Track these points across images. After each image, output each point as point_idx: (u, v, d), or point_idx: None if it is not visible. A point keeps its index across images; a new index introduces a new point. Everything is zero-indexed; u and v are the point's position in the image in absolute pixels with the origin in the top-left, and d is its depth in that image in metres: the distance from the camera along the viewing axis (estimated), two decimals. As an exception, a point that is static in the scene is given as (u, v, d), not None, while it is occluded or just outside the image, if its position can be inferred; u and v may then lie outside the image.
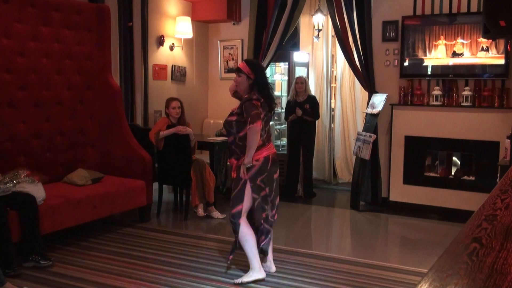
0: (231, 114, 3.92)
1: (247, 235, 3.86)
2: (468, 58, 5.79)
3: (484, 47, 5.70)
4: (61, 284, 3.81)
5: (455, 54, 5.86)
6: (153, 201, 5.71)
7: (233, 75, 7.33)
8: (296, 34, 7.69)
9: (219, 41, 7.70)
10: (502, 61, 5.61)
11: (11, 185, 4.07)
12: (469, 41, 5.78)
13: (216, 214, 5.77)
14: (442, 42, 5.92)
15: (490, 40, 5.49)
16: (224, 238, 4.93)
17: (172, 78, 7.12)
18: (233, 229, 3.90)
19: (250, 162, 3.74)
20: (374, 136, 6.08)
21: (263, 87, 3.91)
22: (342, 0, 6.26)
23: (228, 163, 4.11)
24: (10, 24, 4.77)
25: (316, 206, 6.64)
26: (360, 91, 7.50)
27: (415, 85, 6.17)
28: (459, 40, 5.83)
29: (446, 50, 5.91)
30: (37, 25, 5.00)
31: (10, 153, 4.79)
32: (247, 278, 3.86)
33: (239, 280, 3.85)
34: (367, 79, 6.32)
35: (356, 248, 5.08)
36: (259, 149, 3.81)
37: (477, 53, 5.73)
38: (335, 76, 8.06)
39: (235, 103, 4.06)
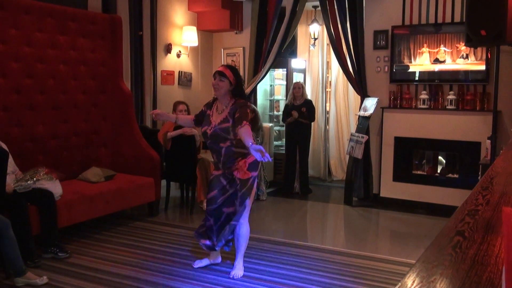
0: (223, 121, 3.66)
1: (247, 232, 3.85)
2: (452, 64, 5.80)
3: (464, 54, 5.71)
4: (77, 273, 3.82)
5: (437, 61, 5.87)
6: (161, 197, 5.71)
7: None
8: (293, 42, 7.68)
9: (222, 49, 7.69)
10: (483, 67, 5.62)
11: (31, 182, 4.07)
12: (451, 49, 5.79)
13: (220, 209, 5.77)
14: (426, 49, 5.93)
15: (470, 48, 5.50)
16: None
17: (179, 83, 7.12)
18: (237, 216, 3.73)
19: (253, 142, 3.41)
20: (366, 137, 6.08)
21: (242, 93, 3.81)
22: (336, 11, 6.26)
23: (231, 171, 3.74)
24: (31, 33, 4.78)
25: (312, 202, 6.64)
26: (353, 95, 7.50)
27: (404, 90, 6.18)
28: (442, 48, 5.84)
29: (430, 57, 5.92)
30: (55, 34, 5.01)
31: (31, 153, 4.81)
32: (241, 270, 3.86)
33: (237, 275, 3.81)
34: (360, 84, 6.32)
35: (349, 241, 5.09)
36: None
37: (457, 59, 5.74)
38: (330, 81, 8.05)
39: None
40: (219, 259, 4.07)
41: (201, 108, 4.00)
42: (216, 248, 3.94)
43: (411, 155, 6.16)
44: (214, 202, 3.82)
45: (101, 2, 5.78)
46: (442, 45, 5.83)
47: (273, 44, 6.66)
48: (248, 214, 3.82)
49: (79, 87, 5.31)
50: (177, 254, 4.31)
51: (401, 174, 6.14)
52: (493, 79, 5.07)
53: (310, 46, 7.83)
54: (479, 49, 5.56)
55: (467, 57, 5.71)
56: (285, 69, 7.62)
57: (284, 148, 7.35)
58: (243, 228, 3.80)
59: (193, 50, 7.33)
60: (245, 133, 3.47)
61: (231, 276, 3.79)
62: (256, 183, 3.82)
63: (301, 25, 7.50)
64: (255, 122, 6.59)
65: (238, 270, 3.84)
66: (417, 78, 6.06)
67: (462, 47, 5.66)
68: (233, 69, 3.81)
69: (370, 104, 6.13)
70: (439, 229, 1.25)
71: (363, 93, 6.33)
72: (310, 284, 3.67)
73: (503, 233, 0.89)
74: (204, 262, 4.01)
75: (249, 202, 3.75)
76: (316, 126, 7.71)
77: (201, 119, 3.93)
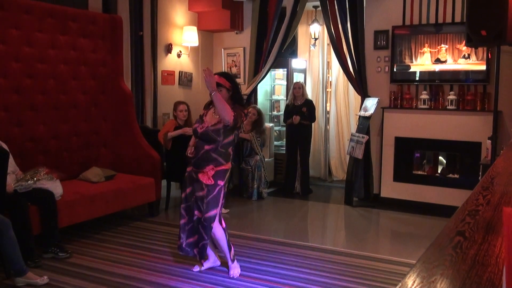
0: (217, 123, 3.68)
1: (222, 234, 3.82)
2: (452, 64, 5.80)
3: (466, 54, 5.71)
4: (78, 273, 3.82)
5: (438, 61, 5.87)
6: (162, 197, 5.72)
7: (236, 80, 7.35)
8: (294, 42, 7.68)
9: (223, 49, 7.70)
10: (483, 67, 5.62)
11: (32, 182, 4.08)
12: (452, 49, 5.79)
13: (220, 209, 5.77)
14: (427, 49, 5.93)
15: (471, 48, 5.50)
16: (228, 231, 4.92)
17: (179, 83, 7.12)
18: (205, 232, 3.69)
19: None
20: (366, 137, 6.08)
21: (240, 97, 3.86)
22: (337, 11, 6.27)
23: (195, 173, 3.76)
24: (31, 33, 4.78)
25: (312, 202, 6.64)
26: (354, 95, 7.50)
27: (404, 90, 6.18)
28: (443, 48, 5.84)
29: (430, 57, 5.92)
30: (56, 34, 5.01)
31: (31, 153, 4.81)
32: (238, 269, 3.86)
33: (236, 274, 3.82)
34: (360, 84, 6.32)
35: (349, 241, 5.09)
36: (229, 160, 3.75)
37: (458, 59, 5.74)
38: (330, 82, 8.05)
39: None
40: (218, 263, 4.03)
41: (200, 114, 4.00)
42: (181, 252, 3.88)
43: (412, 155, 6.15)
44: (190, 198, 3.80)
45: (102, 2, 5.78)
46: (443, 45, 5.83)
47: (274, 44, 6.66)
48: (218, 218, 3.78)
49: (79, 87, 5.31)
50: (177, 254, 4.28)
51: (402, 174, 6.14)
52: (494, 79, 5.08)
53: (311, 46, 7.83)
54: (479, 49, 5.56)
55: (467, 57, 5.70)
56: (286, 69, 7.63)
57: (284, 148, 7.35)
58: (217, 233, 3.79)
59: (194, 50, 7.34)
60: (225, 107, 3.55)
61: (231, 276, 3.80)
62: (223, 192, 3.76)
63: (301, 25, 7.50)
64: (259, 125, 6.60)
65: (235, 269, 3.85)
66: (417, 78, 6.05)
67: (463, 47, 5.66)
68: (226, 75, 3.85)
69: (371, 104, 6.13)
70: (440, 229, 1.25)
71: (364, 93, 6.33)
72: (310, 284, 3.67)
73: (504, 234, 0.89)
74: (197, 267, 3.96)
75: (214, 216, 3.70)
76: (317, 126, 7.71)
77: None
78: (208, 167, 3.68)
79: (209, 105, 3.89)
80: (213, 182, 3.67)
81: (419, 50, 5.98)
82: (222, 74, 3.85)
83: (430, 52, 5.92)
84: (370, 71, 6.34)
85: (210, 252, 3.96)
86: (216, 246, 3.96)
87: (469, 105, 5.73)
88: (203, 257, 3.87)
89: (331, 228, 5.89)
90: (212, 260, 3.99)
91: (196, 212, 3.76)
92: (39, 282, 3.56)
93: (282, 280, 3.75)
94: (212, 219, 3.68)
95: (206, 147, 3.69)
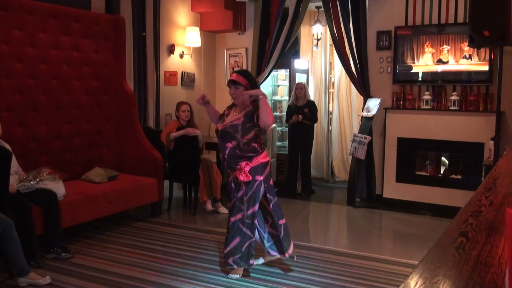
0: (236, 120, 3.70)
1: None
2: (455, 65, 5.79)
3: (467, 55, 5.70)
4: (80, 274, 3.82)
5: (440, 62, 5.86)
6: (164, 197, 5.72)
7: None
8: (296, 43, 7.69)
9: (225, 50, 7.70)
10: (486, 68, 5.61)
11: (35, 182, 4.08)
12: (454, 49, 5.78)
13: (223, 210, 5.78)
14: (429, 50, 5.92)
15: (473, 49, 5.49)
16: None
17: (182, 84, 7.13)
18: (251, 230, 3.72)
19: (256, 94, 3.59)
20: (369, 137, 6.08)
21: None
22: (339, 11, 6.27)
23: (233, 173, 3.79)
24: (34, 34, 4.79)
25: (314, 203, 6.64)
26: (356, 96, 7.50)
27: (407, 91, 6.17)
28: (445, 49, 5.83)
29: (433, 57, 5.91)
30: (59, 34, 5.02)
31: (34, 153, 4.82)
32: (240, 271, 3.84)
33: (235, 276, 3.81)
34: (363, 84, 6.31)
35: (352, 241, 5.08)
36: (259, 152, 3.76)
37: (460, 60, 5.73)
38: (333, 82, 8.04)
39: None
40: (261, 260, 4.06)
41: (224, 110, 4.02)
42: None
43: (414, 156, 6.14)
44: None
45: (104, 3, 5.79)
46: (445, 46, 5.82)
47: (276, 45, 6.66)
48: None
49: (82, 88, 5.32)
50: (180, 254, 4.31)
51: (404, 175, 6.13)
52: (496, 80, 5.06)
53: (313, 46, 7.82)
54: (482, 49, 5.55)
55: (470, 57, 5.69)
56: (288, 70, 7.62)
57: (286, 149, 7.35)
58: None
59: (196, 50, 7.34)
60: (267, 111, 3.57)
61: (229, 276, 3.80)
62: (262, 187, 3.75)
63: (304, 25, 7.50)
64: None
65: (237, 270, 3.84)
66: (420, 79, 6.05)
67: (465, 48, 5.65)
68: (244, 73, 3.85)
69: (373, 104, 6.12)
70: (442, 230, 1.25)
71: (366, 94, 6.32)
72: (312, 284, 3.66)
73: (507, 234, 0.89)
74: (260, 260, 4.02)
75: (255, 212, 3.74)
76: (319, 127, 7.71)
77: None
78: (242, 163, 3.68)
79: (232, 106, 3.92)
80: (250, 178, 3.67)
81: (421, 51, 5.97)
82: (240, 72, 3.85)
83: (433, 52, 5.91)
84: (372, 72, 6.34)
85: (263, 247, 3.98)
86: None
87: (472, 105, 5.72)
88: (250, 257, 3.80)
89: (333, 228, 5.89)
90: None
91: (231, 219, 3.77)
92: (41, 282, 3.56)
93: (283, 280, 3.75)
94: (255, 215, 3.71)
95: (228, 144, 3.71)
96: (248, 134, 3.69)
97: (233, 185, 3.81)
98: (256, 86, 3.85)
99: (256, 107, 3.64)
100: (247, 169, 3.67)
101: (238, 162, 3.70)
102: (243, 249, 3.74)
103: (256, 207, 3.73)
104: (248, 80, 3.76)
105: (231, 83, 3.76)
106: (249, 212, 3.71)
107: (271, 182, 3.85)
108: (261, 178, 3.73)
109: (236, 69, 7.53)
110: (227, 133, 3.71)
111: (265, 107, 3.58)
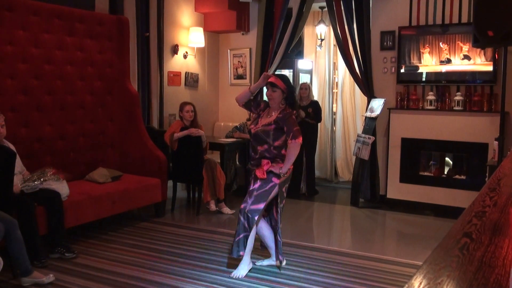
0: (268, 124, 3.81)
1: (266, 230, 3.89)
2: (459, 65, 5.78)
3: (462, 55, 5.68)
4: (84, 274, 3.83)
5: (444, 62, 5.85)
6: (168, 197, 5.72)
7: (242, 81, 7.37)
8: (300, 43, 7.68)
9: (229, 50, 7.71)
10: (490, 68, 5.59)
11: (39, 182, 4.09)
12: (458, 50, 5.76)
13: (226, 210, 5.78)
14: (433, 50, 5.91)
15: (477, 49, 5.48)
16: (233, 232, 4.92)
17: (185, 84, 7.14)
18: (248, 223, 3.76)
19: (286, 172, 3.76)
20: (372, 138, 6.07)
21: (294, 101, 3.92)
22: (343, 11, 6.26)
23: (250, 167, 3.95)
24: (39, 35, 4.81)
25: (318, 203, 6.63)
26: (360, 96, 7.49)
27: (410, 91, 6.16)
28: (450, 49, 5.81)
29: (437, 57, 5.90)
30: (63, 35, 5.04)
31: (38, 153, 4.84)
32: (244, 271, 3.85)
33: (238, 275, 3.81)
34: (366, 85, 6.30)
35: (355, 242, 5.07)
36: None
37: (464, 60, 5.72)
38: (337, 82, 8.05)
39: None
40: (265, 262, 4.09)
41: (259, 101, 4.12)
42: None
43: (418, 156, 6.13)
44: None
45: (108, 3, 5.81)
46: (447, 46, 5.81)
47: (280, 45, 6.66)
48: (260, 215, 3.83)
49: (86, 88, 5.33)
50: (183, 254, 4.31)
51: (408, 175, 6.12)
52: (501, 80, 5.05)
53: (317, 47, 7.82)
54: (486, 49, 5.54)
55: (473, 58, 5.68)
56: (292, 70, 7.62)
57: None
58: (265, 231, 3.92)
59: (200, 51, 7.35)
60: (290, 151, 3.73)
61: (232, 275, 3.81)
62: (275, 190, 3.79)
63: (307, 26, 7.50)
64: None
65: (241, 271, 3.85)
66: (424, 79, 6.03)
67: (465, 48, 5.63)
68: (283, 77, 3.95)
69: (377, 105, 6.11)
70: (446, 230, 1.25)
71: (370, 94, 6.31)
72: (315, 285, 3.66)
73: (511, 235, 0.88)
74: (265, 262, 4.06)
75: (259, 210, 3.77)
76: (323, 127, 7.71)
77: (253, 104, 4.06)
78: (264, 161, 3.78)
79: (266, 107, 3.98)
80: (265, 177, 3.75)
81: (425, 51, 5.96)
82: (280, 76, 3.97)
83: (437, 52, 5.89)
84: (376, 72, 6.32)
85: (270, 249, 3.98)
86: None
87: (476, 106, 5.70)
88: (240, 248, 3.82)
89: (337, 229, 5.88)
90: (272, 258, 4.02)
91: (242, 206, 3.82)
92: (45, 280, 3.57)
93: (286, 281, 3.74)
94: (257, 212, 3.73)
95: (259, 148, 3.83)
96: (279, 139, 3.80)
97: (251, 179, 3.91)
98: (293, 92, 3.96)
99: (284, 116, 3.77)
100: (266, 168, 3.76)
101: (262, 160, 3.81)
102: (236, 239, 3.82)
103: (262, 205, 3.75)
104: (286, 85, 3.86)
105: (270, 85, 3.86)
106: (253, 207, 3.75)
107: (284, 189, 3.86)
108: (277, 181, 3.78)
109: (239, 70, 7.53)
110: (259, 136, 3.84)
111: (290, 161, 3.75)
